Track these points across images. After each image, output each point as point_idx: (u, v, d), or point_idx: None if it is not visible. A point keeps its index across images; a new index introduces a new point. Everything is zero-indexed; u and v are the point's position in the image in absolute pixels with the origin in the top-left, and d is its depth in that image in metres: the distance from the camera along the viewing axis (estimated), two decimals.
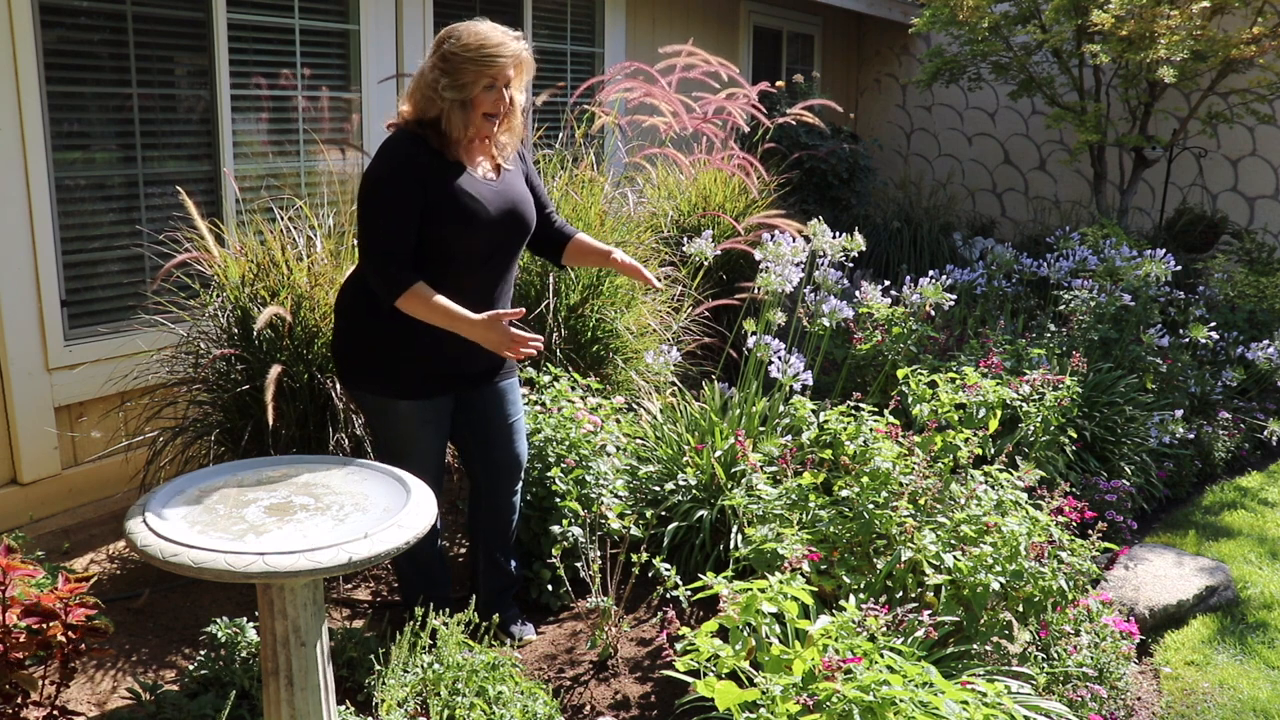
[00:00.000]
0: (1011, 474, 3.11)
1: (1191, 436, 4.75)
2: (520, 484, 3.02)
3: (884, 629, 2.51)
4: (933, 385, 3.65)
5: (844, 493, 3.01)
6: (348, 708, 2.51)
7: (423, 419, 2.76)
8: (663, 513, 3.46)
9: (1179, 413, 4.65)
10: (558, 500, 3.16)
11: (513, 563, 3.09)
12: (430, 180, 2.56)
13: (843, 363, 4.60)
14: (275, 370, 2.99)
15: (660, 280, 2.92)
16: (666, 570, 2.88)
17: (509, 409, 2.90)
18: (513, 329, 2.54)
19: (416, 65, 2.63)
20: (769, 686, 2.08)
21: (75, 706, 2.64)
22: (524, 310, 2.62)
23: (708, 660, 2.19)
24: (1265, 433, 5.14)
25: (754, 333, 3.84)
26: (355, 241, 2.74)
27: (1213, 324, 5.67)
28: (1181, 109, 7.53)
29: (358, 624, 3.07)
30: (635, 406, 3.94)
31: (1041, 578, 2.72)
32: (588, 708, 2.75)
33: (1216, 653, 3.27)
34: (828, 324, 4.03)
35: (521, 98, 2.70)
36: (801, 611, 2.47)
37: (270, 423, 3.01)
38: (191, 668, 2.62)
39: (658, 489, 3.52)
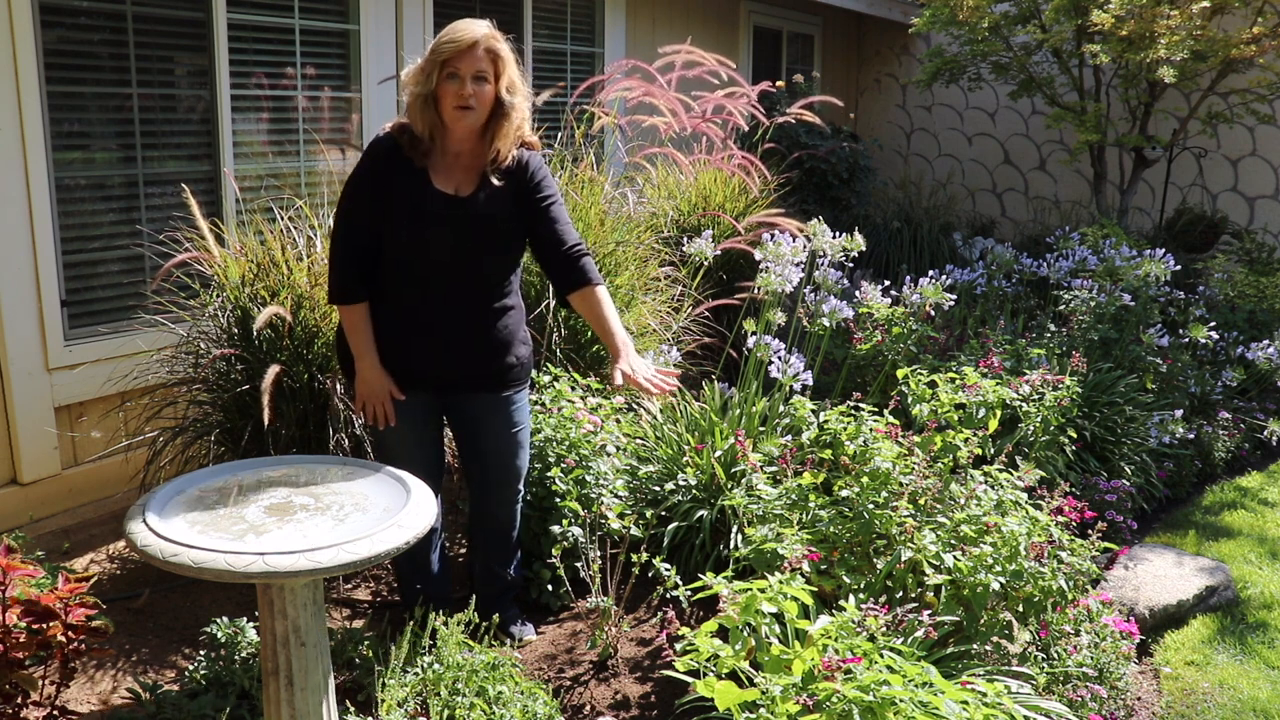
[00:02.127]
0: (1011, 474, 3.10)
1: (1191, 436, 4.75)
2: (518, 495, 2.99)
3: (884, 629, 2.51)
4: (933, 385, 3.65)
5: (844, 493, 3.01)
6: (348, 708, 2.51)
7: (398, 413, 2.74)
8: (663, 513, 3.45)
9: (1179, 413, 4.65)
10: (558, 500, 3.16)
11: (511, 570, 3.07)
12: (390, 185, 2.58)
13: (843, 363, 4.60)
14: (274, 370, 2.99)
15: (666, 381, 2.60)
16: (666, 570, 2.88)
17: (507, 420, 2.83)
18: (387, 403, 2.66)
19: (417, 66, 2.62)
20: (769, 686, 2.08)
21: (75, 706, 2.64)
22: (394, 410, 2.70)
23: (708, 660, 2.19)
24: (1265, 433, 5.14)
25: (754, 333, 3.84)
26: None
27: (1213, 324, 5.66)
28: (1181, 109, 7.53)
29: (358, 624, 3.07)
30: (635, 406, 3.94)
31: (1041, 578, 2.72)
32: (588, 708, 2.75)
33: (1216, 653, 3.27)
34: (828, 324, 4.03)
35: (514, 100, 2.57)
36: (801, 611, 2.47)
37: (268, 422, 3.01)
38: (191, 668, 2.62)
39: (658, 489, 3.52)
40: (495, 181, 2.62)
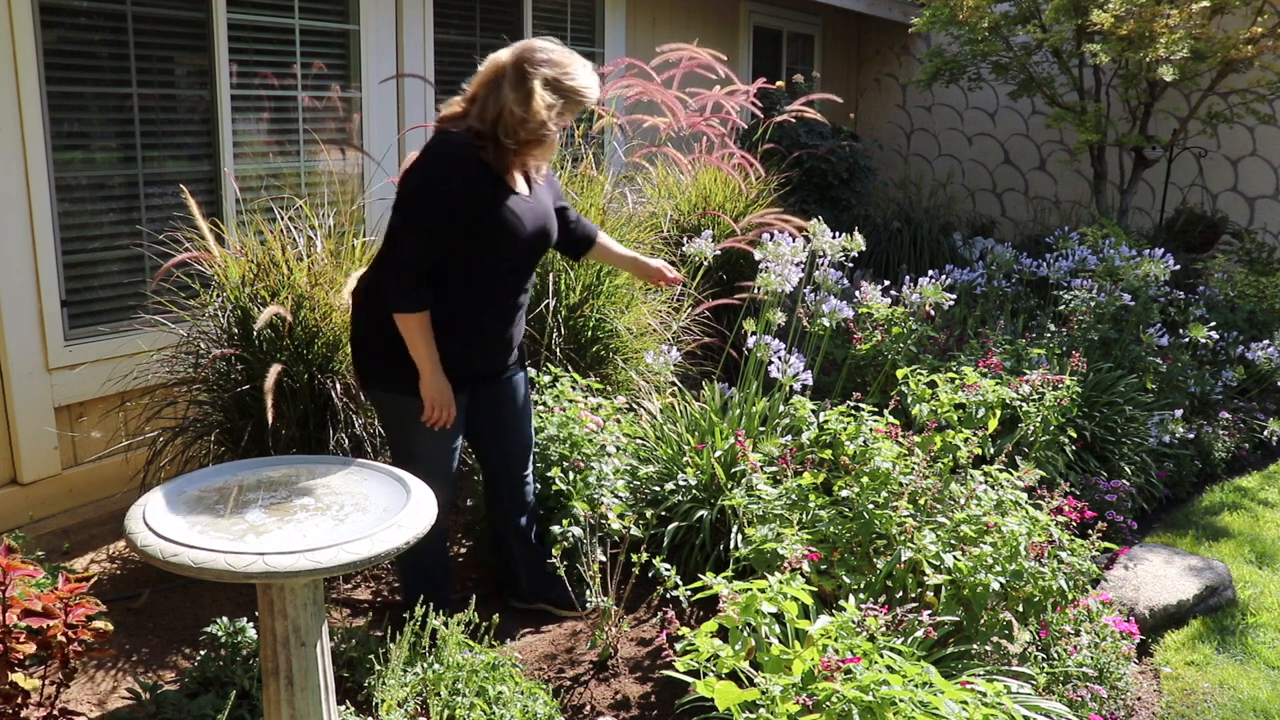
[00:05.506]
0: (1011, 474, 3.10)
1: (1191, 436, 4.75)
2: (532, 467, 3.12)
3: (884, 629, 2.51)
4: (932, 385, 3.64)
5: (844, 493, 3.01)
6: (348, 708, 2.51)
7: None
8: (663, 513, 3.46)
9: (1179, 413, 4.65)
10: (562, 500, 3.17)
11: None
12: (476, 195, 2.59)
13: (843, 363, 4.60)
14: (275, 370, 2.99)
15: (678, 274, 3.25)
16: (666, 570, 2.88)
17: (519, 399, 3.00)
18: (453, 406, 2.72)
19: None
20: (769, 686, 2.08)
21: (75, 706, 2.64)
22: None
23: (708, 660, 2.19)
24: (1265, 433, 5.14)
25: (754, 333, 3.84)
26: (385, 231, 2.73)
27: (1213, 324, 5.66)
28: (1181, 109, 7.53)
29: (358, 624, 3.07)
30: (635, 406, 3.94)
31: (1041, 578, 2.72)
32: (588, 708, 2.75)
33: (1216, 653, 3.27)
34: (828, 324, 4.03)
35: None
36: (801, 611, 2.47)
37: (270, 422, 3.01)
38: (191, 668, 2.62)
39: (658, 489, 3.52)
40: (538, 181, 2.85)
